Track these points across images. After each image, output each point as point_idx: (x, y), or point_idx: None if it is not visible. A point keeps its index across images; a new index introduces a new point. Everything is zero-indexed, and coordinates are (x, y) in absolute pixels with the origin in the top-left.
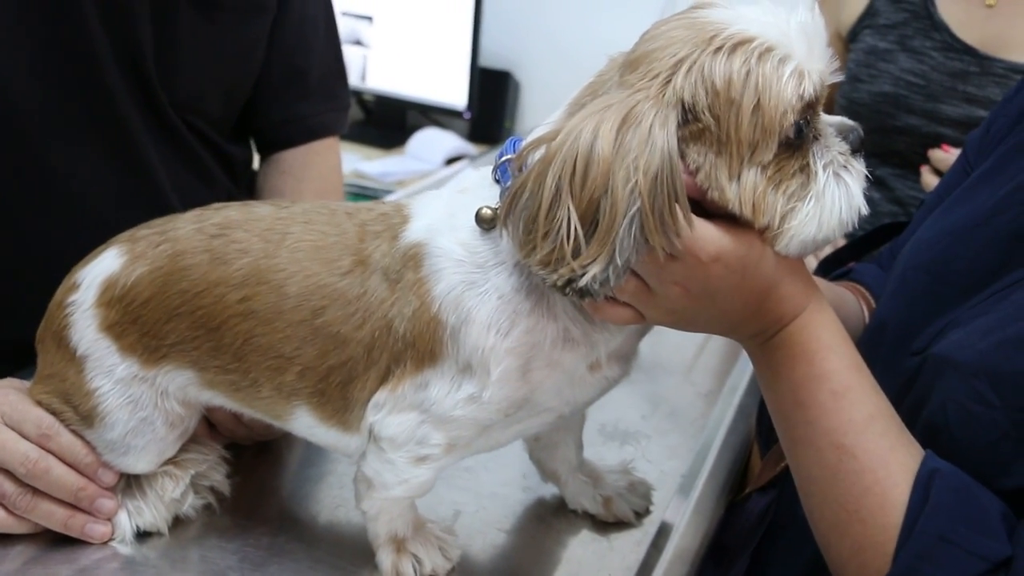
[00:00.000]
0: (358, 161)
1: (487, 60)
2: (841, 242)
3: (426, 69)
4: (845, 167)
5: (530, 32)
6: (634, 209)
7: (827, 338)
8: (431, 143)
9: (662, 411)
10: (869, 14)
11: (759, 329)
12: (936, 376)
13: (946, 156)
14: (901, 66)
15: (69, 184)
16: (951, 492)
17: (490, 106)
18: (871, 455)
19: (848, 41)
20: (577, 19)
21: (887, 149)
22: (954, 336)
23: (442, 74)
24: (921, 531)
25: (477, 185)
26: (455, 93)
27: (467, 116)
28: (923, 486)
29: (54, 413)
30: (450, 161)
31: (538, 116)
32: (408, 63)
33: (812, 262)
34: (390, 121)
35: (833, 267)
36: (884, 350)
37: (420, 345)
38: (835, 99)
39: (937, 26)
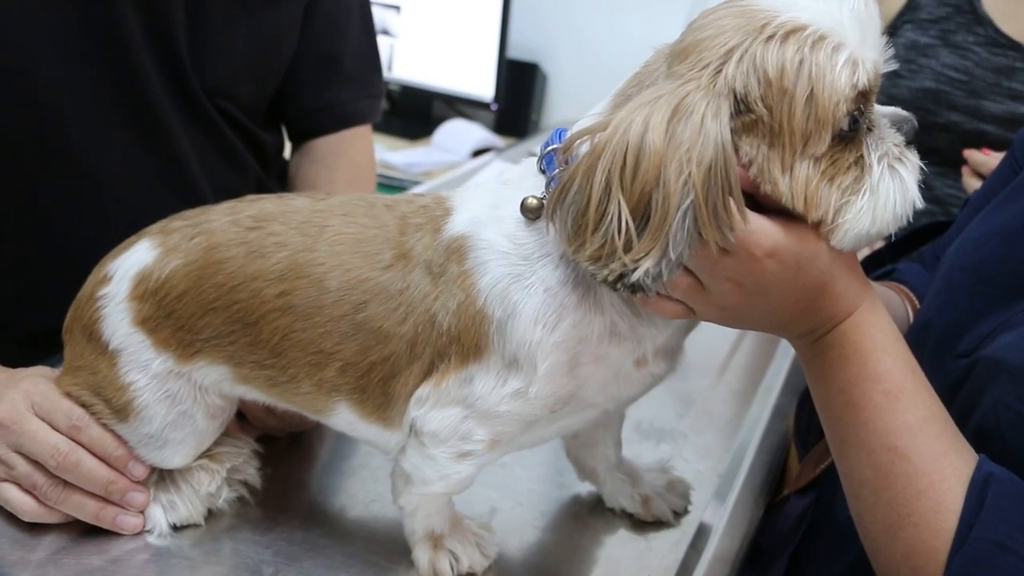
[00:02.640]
0: (384, 151)
1: (514, 52)
2: (881, 241)
3: (453, 60)
4: (900, 159)
5: (558, 24)
6: (687, 202)
7: (881, 338)
8: (457, 134)
9: (697, 410)
10: (910, 8)
11: (811, 328)
12: (987, 379)
13: (987, 159)
14: (943, 61)
15: (98, 169)
16: (1007, 497)
17: (517, 98)
18: (925, 458)
19: (888, 36)
20: (605, 12)
21: (927, 146)
22: (1006, 339)
23: (469, 65)
24: (976, 537)
25: (521, 176)
26: (482, 84)
27: (494, 108)
28: (978, 491)
29: (84, 405)
30: (476, 153)
31: (565, 109)
32: (435, 54)
33: None
34: (416, 112)
35: (874, 267)
36: (928, 351)
37: (465, 339)
38: None
39: (981, 20)
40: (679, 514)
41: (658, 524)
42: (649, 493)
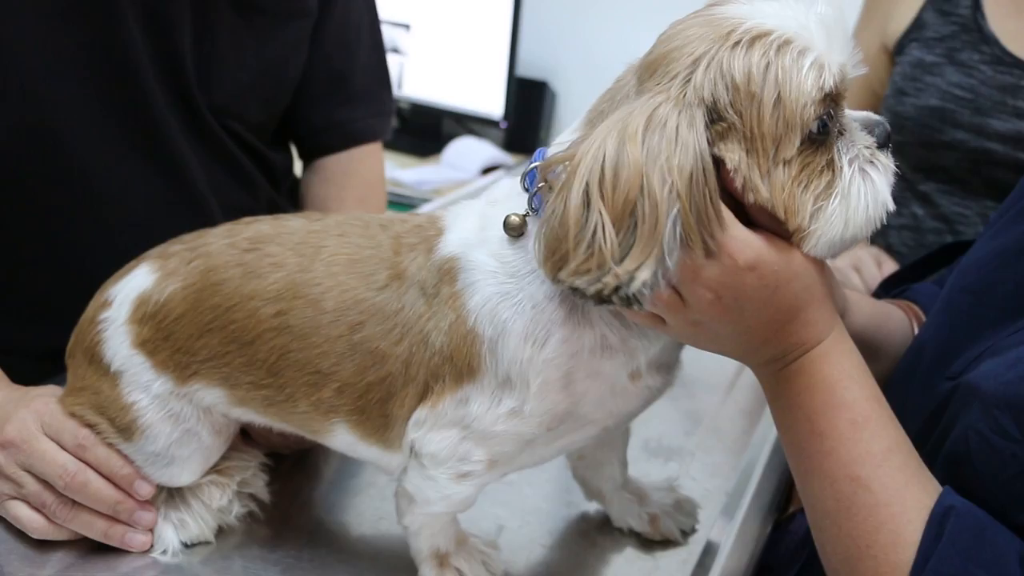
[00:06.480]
0: (393, 169)
1: (524, 70)
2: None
3: (463, 78)
4: (871, 161)
5: (567, 42)
6: (675, 210)
7: (848, 367)
8: (467, 152)
9: (705, 428)
10: (916, 27)
11: (779, 353)
12: (963, 404)
13: None
14: (948, 80)
15: (107, 190)
16: (965, 532)
17: (526, 116)
18: (887, 489)
19: (894, 54)
20: (615, 30)
21: (933, 164)
22: (988, 365)
23: (479, 83)
24: (932, 570)
25: (506, 196)
26: (492, 102)
27: (503, 126)
28: (937, 524)
29: (89, 425)
30: (486, 171)
31: None
32: (445, 72)
33: (855, 278)
34: (426, 130)
35: (895, 287)
36: (921, 371)
37: (458, 359)
38: (880, 112)
39: (987, 39)
40: (687, 533)
41: (665, 543)
42: (656, 512)
